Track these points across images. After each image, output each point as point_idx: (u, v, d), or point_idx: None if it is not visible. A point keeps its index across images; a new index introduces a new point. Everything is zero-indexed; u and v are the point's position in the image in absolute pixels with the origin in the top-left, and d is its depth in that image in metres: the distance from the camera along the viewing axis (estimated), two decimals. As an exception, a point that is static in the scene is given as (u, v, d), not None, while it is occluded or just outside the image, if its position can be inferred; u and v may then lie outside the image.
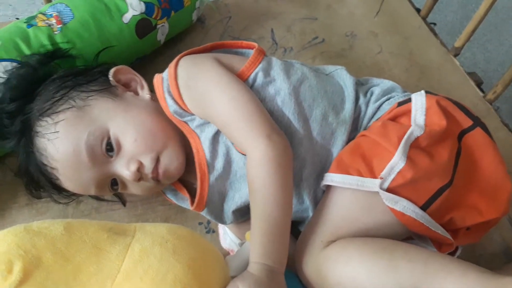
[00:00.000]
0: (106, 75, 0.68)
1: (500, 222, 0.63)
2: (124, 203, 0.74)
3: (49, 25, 0.74)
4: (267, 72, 0.65)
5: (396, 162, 0.55)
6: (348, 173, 0.57)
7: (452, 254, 0.61)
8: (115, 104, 0.65)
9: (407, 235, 0.60)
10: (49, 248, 0.47)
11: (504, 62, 1.47)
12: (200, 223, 0.73)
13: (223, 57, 0.67)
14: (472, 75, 0.95)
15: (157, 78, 0.66)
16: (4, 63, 0.69)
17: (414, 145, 0.57)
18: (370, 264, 0.53)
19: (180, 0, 0.84)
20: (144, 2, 0.79)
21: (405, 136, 0.57)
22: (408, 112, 0.61)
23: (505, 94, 0.90)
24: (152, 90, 0.69)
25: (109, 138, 0.63)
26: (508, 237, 0.73)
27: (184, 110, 0.64)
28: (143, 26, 0.80)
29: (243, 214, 0.67)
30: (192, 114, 0.64)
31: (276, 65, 0.66)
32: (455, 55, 0.96)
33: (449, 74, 0.93)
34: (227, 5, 0.99)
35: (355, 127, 0.65)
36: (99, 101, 0.65)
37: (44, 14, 0.75)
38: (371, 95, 0.68)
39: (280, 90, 0.63)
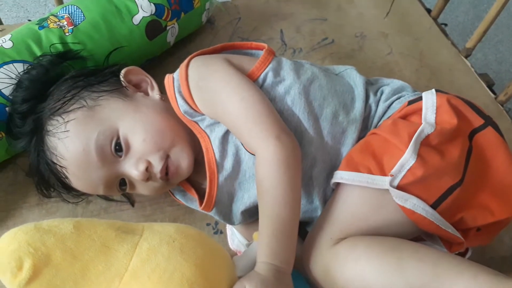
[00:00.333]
0: (117, 76, 0.69)
1: (511, 225, 0.62)
2: (132, 203, 0.75)
3: (61, 27, 0.74)
4: (277, 72, 0.65)
5: (407, 160, 0.55)
6: (358, 170, 0.57)
7: (462, 255, 0.60)
8: (125, 104, 0.66)
9: (417, 233, 0.60)
10: (58, 246, 0.47)
11: (516, 64, 1.45)
12: (208, 224, 0.73)
13: (233, 57, 0.67)
14: (483, 76, 0.94)
15: (168, 79, 0.67)
16: (16, 64, 0.70)
17: (425, 143, 0.56)
18: (379, 262, 0.53)
19: (190, 2, 0.85)
20: (154, 4, 0.79)
21: (416, 134, 0.56)
22: (418, 111, 0.61)
23: (517, 95, 0.89)
24: (162, 91, 0.69)
25: (118, 138, 0.63)
26: (520, 239, 0.72)
27: (194, 110, 0.64)
28: (153, 27, 0.80)
29: (251, 215, 0.67)
30: (202, 114, 0.65)
31: (286, 65, 0.67)
32: (466, 56, 0.96)
33: (460, 75, 0.93)
34: (237, 6, 0.99)
35: (365, 126, 0.65)
36: (109, 101, 0.65)
37: (55, 16, 0.76)
38: (381, 94, 0.68)
39: (290, 89, 0.63)
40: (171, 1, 0.81)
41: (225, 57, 0.67)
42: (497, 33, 1.50)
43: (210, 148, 0.65)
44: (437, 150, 0.56)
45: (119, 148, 0.63)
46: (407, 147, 0.55)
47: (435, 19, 1.01)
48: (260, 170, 0.58)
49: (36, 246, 0.47)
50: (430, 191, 0.55)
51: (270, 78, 0.65)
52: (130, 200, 0.75)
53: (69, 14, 0.76)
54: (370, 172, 0.57)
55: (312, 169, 0.63)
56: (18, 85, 0.69)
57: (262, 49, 0.69)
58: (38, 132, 0.66)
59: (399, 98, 0.66)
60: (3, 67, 0.69)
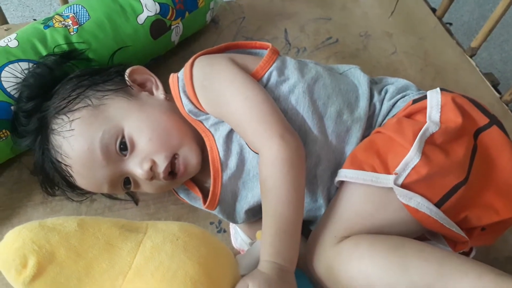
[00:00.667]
0: (122, 75, 0.69)
1: (516, 225, 0.61)
2: (136, 202, 0.75)
3: (66, 26, 0.75)
4: (281, 71, 0.65)
5: (411, 158, 0.55)
6: (362, 169, 0.57)
7: (466, 255, 0.60)
8: (130, 103, 0.66)
9: (421, 232, 0.60)
10: (62, 244, 0.48)
11: (522, 63, 1.45)
12: (211, 223, 0.73)
13: (238, 57, 0.67)
14: (488, 75, 0.94)
15: (172, 78, 0.67)
16: (21, 63, 0.71)
17: (429, 141, 0.56)
18: (383, 261, 0.53)
19: (194, 1, 0.85)
20: (159, 3, 0.80)
21: (420, 132, 0.56)
22: (423, 109, 0.61)
23: (523, 95, 0.88)
24: (166, 90, 0.70)
25: (123, 137, 0.63)
26: (525, 240, 0.72)
27: (199, 109, 0.65)
28: (158, 27, 0.80)
29: (255, 214, 0.67)
30: (207, 113, 0.65)
31: (290, 64, 0.67)
32: (471, 56, 0.95)
33: (465, 74, 0.92)
34: (241, 5, 0.99)
35: (369, 125, 0.65)
36: (114, 100, 0.65)
37: (60, 15, 0.76)
38: (386, 93, 0.67)
39: (294, 88, 0.64)
40: (176, 0, 0.81)
41: (229, 56, 0.67)
42: (502, 33, 1.49)
43: (215, 147, 0.65)
44: (441, 148, 0.56)
45: (123, 147, 0.63)
46: (412, 146, 0.55)
47: (440, 19, 1.01)
48: (264, 169, 0.58)
49: (41, 244, 0.47)
50: (434, 189, 0.55)
51: (274, 77, 0.65)
52: (134, 198, 0.75)
53: (74, 13, 0.76)
54: (374, 170, 0.56)
55: (316, 167, 0.63)
56: (23, 84, 0.69)
57: (266, 49, 0.69)
58: (43, 131, 0.66)
59: (403, 97, 0.66)
60: (9, 66, 0.70)
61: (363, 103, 0.65)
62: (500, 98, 0.89)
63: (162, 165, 0.63)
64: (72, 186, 0.67)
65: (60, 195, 0.72)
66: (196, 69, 0.65)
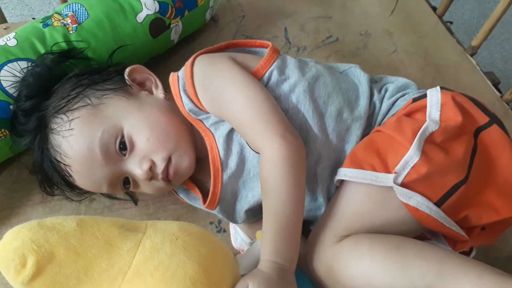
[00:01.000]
0: (122, 74, 0.69)
1: (517, 225, 0.61)
2: (135, 202, 0.75)
3: (65, 25, 0.74)
4: (281, 70, 0.65)
5: (411, 157, 0.55)
6: (362, 168, 0.57)
7: (467, 255, 0.60)
8: (130, 103, 0.66)
9: (420, 231, 0.60)
10: (61, 243, 0.48)
11: (523, 62, 1.44)
12: (211, 223, 0.73)
13: (238, 56, 0.67)
14: (489, 74, 0.93)
15: (173, 77, 0.67)
16: (20, 62, 0.70)
17: (429, 140, 0.56)
18: (383, 261, 0.53)
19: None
20: (158, 2, 0.79)
21: (420, 131, 0.56)
22: (423, 108, 0.61)
23: (523, 93, 0.88)
24: (166, 89, 0.69)
25: (122, 136, 0.63)
26: (525, 240, 0.72)
27: (199, 108, 0.64)
28: (157, 25, 0.80)
29: (255, 214, 0.67)
30: (207, 112, 0.65)
31: (291, 63, 0.67)
32: (472, 54, 0.95)
33: (466, 73, 0.92)
34: (241, 4, 0.99)
35: (369, 124, 0.65)
36: (114, 99, 0.65)
37: (59, 14, 0.76)
38: (386, 91, 0.67)
39: (295, 87, 0.64)
40: (175, -1, 0.81)
41: (230, 55, 0.67)
42: (503, 31, 1.49)
43: (215, 146, 0.65)
44: (441, 147, 0.56)
45: (123, 147, 0.63)
46: (411, 144, 0.55)
47: (440, 17, 1.01)
48: (265, 168, 0.58)
49: (40, 243, 0.47)
50: (434, 188, 0.55)
51: (275, 77, 0.65)
52: (133, 198, 0.75)
53: (73, 12, 0.76)
54: (374, 169, 0.56)
55: (317, 165, 0.63)
56: (22, 82, 0.69)
57: (266, 47, 0.69)
58: (42, 130, 0.66)
59: (403, 95, 0.66)
60: (7, 65, 0.69)
61: (363, 102, 0.65)
62: (501, 97, 0.89)
63: (160, 165, 0.63)
64: (71, 186, 0.67)
65: (59, 195, 0.72)
66: (196, 68, 0.65)
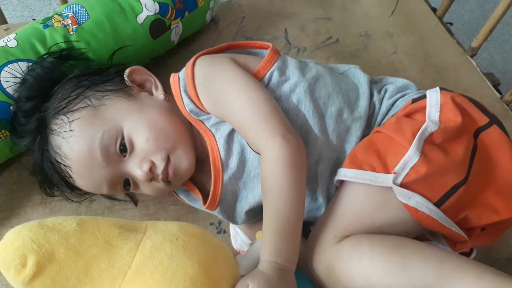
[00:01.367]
0: (122, 75, 0.69)
1: (517, 225, 0.61)
2: (136, 202, 0.75)
3: (65, 26, 0.75)
4: (282, 71, 0.65)
5: (410, 157, 0.55)
6: (361, 168, 0.57)
7: (467, 256, 0.60)
8: (130, 104, 0.66)
9: (420, 232, 0.60)
10: (62, 243, 0.48)
11: (523, 63, 1.45)
12: (211, 224, 0.73)
13: (239, 57, 0.67)
14: (489, 76, 0.93)
15: (173, 78, 0.67)
16: (21, 63, 0.70)
17: (429, 141, 0.56)
18: (383, 261, 0.53)
19: (194, 1, 0.85)
20: (158, 3, 0.79)
21: (419, 132, 0.56)
22: (422, 109, 0.61)
23: (523, 94, 0.88)
24: (166, 90, 0.69)
25: (123, 137, 0.63)
26: (526, 241, 0.72)
27: (200, 109, 0.65)
28: (157, 26, 0.80)
29: (255, 215, 0.67)
30: (208, 113, 0.65)
31: (291, 63, 0.67)
32: (472, 56, 0.95)
33: (466, 74, 0.92)
34: (241, 5, 0.99)
35: (369, 124, 0.65)
36: (114, 100, 0.65)
37: (60, 15, 0.76)
38: (385, 92, 0.68)
39: (295, 88, 0.64)
40: (175, 0, 0.81)
41: (230, 56, 0.67)
42: (503, 32, 1.49)
43: (216, 147, 0.65)
44: (441, 148, 0.56)
45: (123, 148, 0.63)
46: (411, 145, 0.55)
47: (440, 18, 1.01)
48: (265, 168, 0.58)
49: (40, 243, 0.47)
50: (433, 189, 0.55)
51: (275, 77, 0.65)
52: (134, 199, 0.75)
53: (73, 13, 0.76)
54: (373, 169, 0.56)
55: (317, 165, 0.63)
56: (22, 83, 0.69)
57: (266, 48, 0.69)
58: (42, 131, 0.66)
59: (403, 96, 0.66)
60: (8, 66, 0.69)
61: (363, 103, 0.65)
62: (501, 98, 0.89)
63: (160, 166, 0.63)
64: (71, 187, 0.67)
65: (59, 196, 0.72)
66: (197, 69, 0.65)
